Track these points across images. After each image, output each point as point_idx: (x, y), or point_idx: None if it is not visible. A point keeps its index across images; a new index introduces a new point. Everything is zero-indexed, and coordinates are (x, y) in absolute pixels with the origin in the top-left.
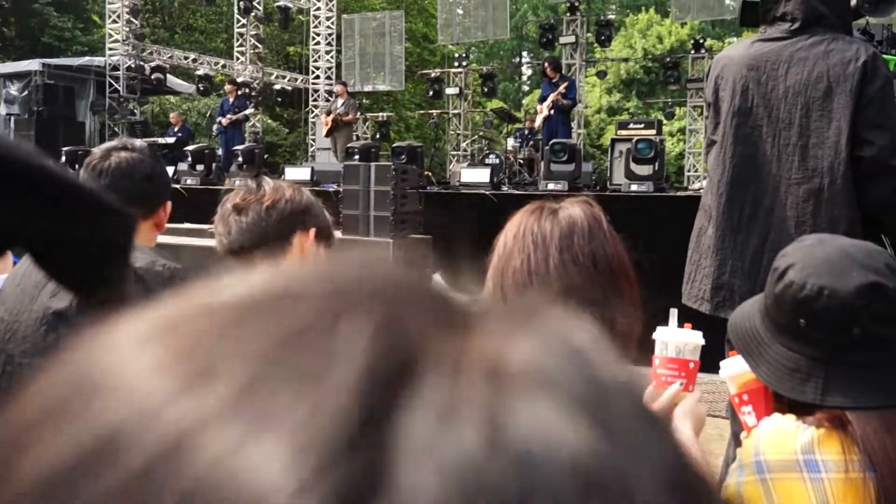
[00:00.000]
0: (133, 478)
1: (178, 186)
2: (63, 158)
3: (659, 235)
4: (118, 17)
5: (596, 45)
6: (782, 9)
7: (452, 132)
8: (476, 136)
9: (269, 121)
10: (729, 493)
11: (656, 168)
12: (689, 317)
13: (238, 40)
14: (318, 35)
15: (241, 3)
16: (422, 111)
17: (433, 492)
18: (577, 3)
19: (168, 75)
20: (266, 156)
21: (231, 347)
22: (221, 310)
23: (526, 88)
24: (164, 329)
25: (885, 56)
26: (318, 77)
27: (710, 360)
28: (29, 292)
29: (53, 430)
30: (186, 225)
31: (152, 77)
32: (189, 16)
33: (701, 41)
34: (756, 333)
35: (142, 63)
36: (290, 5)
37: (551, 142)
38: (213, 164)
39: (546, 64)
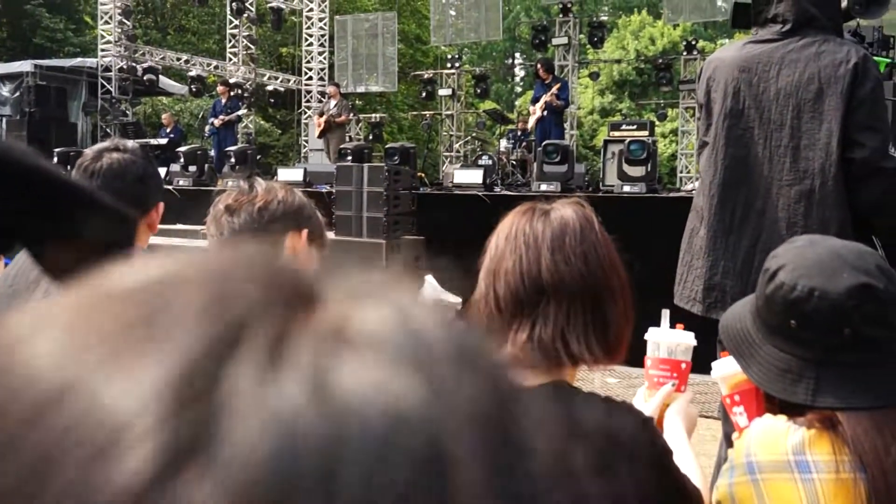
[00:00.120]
0: (24, 422)
1: (170, 187)
2: (55, 159)
3: (651, 236)
4: (110, 18)
5: (588, 46)
6: (774, 10)
7: (445, 133)
8: (469, 138)
9: (262, 122)
10: (721, 494)
11: (649, 169)
12: (681, 318)
13: (230, 41)
14: (310, 36)
15: (234, 4)
16: (415, 112)
17: (255, 439)
18: (569, 5)
19: (160, 76)
20: (259, 157)
21: (107, 324)
22: (108, 294)
23: (519, 90)
24: (62, 311)
25: (875, 58)
26: (310, 78)
27: (701, 361)
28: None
29: None
30: (179, 226)
31: (144, 78)
32: (181, 17)
33: (693, 42)
34: (747, 334)
35: (134, 64)
36: (283, 6)
37: (544, 143)
38: (206, 166)
39: (539, 65)
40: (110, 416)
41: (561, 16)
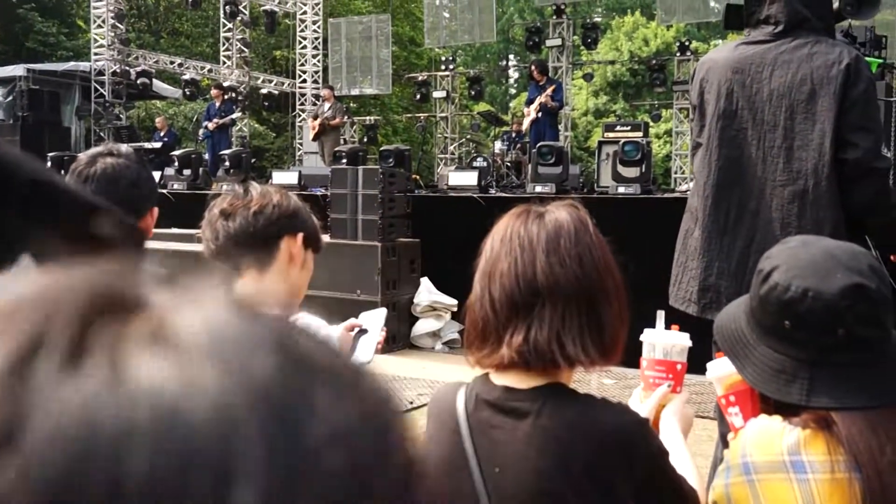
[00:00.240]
0: None
1: (164, 191)
2: (49, 164)
3: (646, 237)
4: (103, 21)
5: (582, 47)
6: (766, 12)
7: (440, 135)
8: (463, 140)
9: (256, 125)
10: (717, 495)
11: (643, 170)
12: (676, 319)
13: (224, 44)
14: (304, 39)
15: (227, 7)
16: (409, 115)
17: (52, 427)
18: (563, 6)
19: (154, 80)
20: (253, 160)
21: None
22: None
23: (513, 91)
24: None
25: (867, 58)
26: (304, 81)
27: (697, 362)
28: None
29: None
30: (174, 230)
31: (138, 82)
32: (175, 20)
33: (686, 43)
34: (742, 335)
35: (127, 68)
36: (277, 9)
37: (538, 144)
38: (200, 169)
39: (533, 67)
40: None
41: (554, 17)
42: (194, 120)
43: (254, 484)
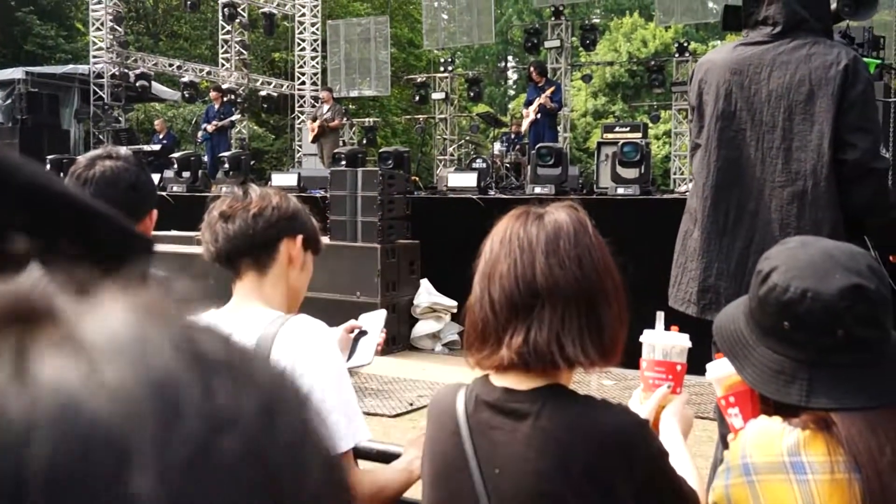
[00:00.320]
0: None
1: (164, 194)
2: (48, 167)
3: (645, 238)
4: (102, 24)
5: (581, 49)
6: (764, 13)
7: (439, 137)
8: (462, 141)
9: (255, 127)
10: (717, 496)
11: (642, 171)
12: (676, 319)
13: (223, 47)
14: (303, 41)
15: (226, 9)
16: (408, 116)
17: None
18: (561, 8)
19: (153, 82)
20: (252, 162)
21: None
22: None
23: (512, 93)
24: None
25: (865, 59)
26: (303, 83)
27: (697, 363)
28: None
29: None
30: (173, 232)
31: (137, 84)
32: (173, 23)
33: (685, 44)
34: (741, 336)
35: (126, 70)
36: (275, 12)
37: (538, 146)
38: (200, 171)
39: (532, 68)
40: None
41: (553, 19)
42: (193, 122)
43: (152, 466)
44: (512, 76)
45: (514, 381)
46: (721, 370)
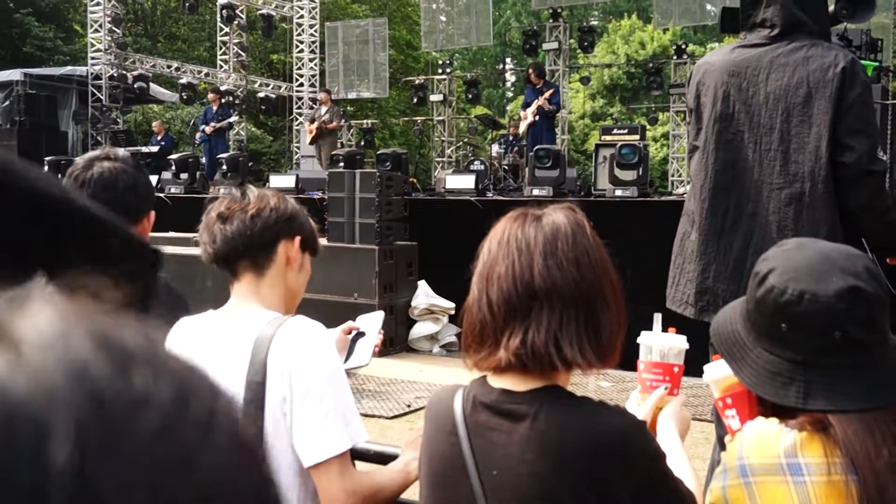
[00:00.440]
0: None
1: (162, 195)
2: (45, 169)
3: (643, 240)
4: (100, 26)
5: (579, 51)
6: (762, 15)
7: (437, 139)
8: (460, 143)
9: (253, 129)
10: (714, 497)
11: (640, 173)
12: (674, 321)
13: (221, 49)
14: (301, 43)
15: (224, 11)
16: (406, 118)
17: None
18: (559, 10)
19: (151, 84)
20: (250, 164)
21: None
22: None
23: (510, 95)
24: None
25: (863, 61)
26: (301, 85)
27: (694, 364)
28: None
29: None
30: (171, 234)
31: (135, 86)
32: (171, 24)
33: (683, 47)
34: (738, 337)
35: (124, 72)
36: (273, 13)
37: (536, 148)
38: (198, 173)
39: (530, 70)
40: None
41: (551, 21)
42: (191, 124)
43: (70, 439)
44: (510, 78)
45: (511, 383)
46: (718, 372)
